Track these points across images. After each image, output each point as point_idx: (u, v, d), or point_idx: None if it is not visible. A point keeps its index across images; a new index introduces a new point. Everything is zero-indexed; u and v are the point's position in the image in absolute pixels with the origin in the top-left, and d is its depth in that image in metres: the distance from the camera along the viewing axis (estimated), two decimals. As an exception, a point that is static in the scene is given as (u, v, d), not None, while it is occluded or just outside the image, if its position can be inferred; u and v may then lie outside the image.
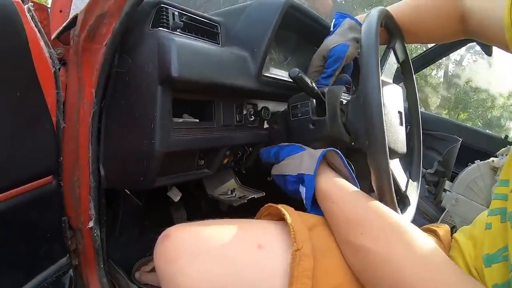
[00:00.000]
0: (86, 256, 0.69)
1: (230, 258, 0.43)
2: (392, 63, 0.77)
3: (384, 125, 0.65)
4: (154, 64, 0.52)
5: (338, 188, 0.53)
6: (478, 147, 1.22)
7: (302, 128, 0.64)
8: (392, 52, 0.75)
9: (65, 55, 0.62)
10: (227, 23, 0.65)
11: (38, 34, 0.51)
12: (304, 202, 0.57)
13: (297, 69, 0.57)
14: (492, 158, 1.05)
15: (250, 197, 0.72)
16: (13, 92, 0.47)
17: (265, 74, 0.65)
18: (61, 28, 0.60)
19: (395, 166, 0.72)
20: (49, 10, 0.58)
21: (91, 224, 0.65)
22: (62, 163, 0.58)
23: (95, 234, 0.67)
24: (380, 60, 0.75)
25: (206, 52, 0.55)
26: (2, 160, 0.47)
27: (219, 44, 0.64)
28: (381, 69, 0.73)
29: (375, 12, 0.62)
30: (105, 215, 0.68)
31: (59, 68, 0.61)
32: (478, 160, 1.09)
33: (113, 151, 0.62)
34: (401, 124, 0.72)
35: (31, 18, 0.49)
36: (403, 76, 0.81)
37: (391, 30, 0.74)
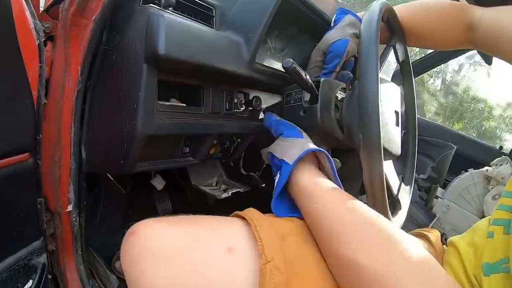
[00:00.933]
0: (63, 242, 0.66)
1: (197, 264, 0.39)
2: (391, 62, 0.75)
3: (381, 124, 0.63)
4: (141, 41, 0.50)
5: (322, 188, 0.48)
6: (473, 156, 1.21)
7: (293, 115, 0.62)
8: (392, 50, 0.73)
9: (53, 30, 0.59)
10: (223, 6, 0.63)
11: (24, 3, 0.49)
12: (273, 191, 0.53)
13: (291, 60, 0.55)
14: (486, 168, 1.03)
15: (234, 190, 0.69)
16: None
17: (258, 62, 0.62)
18: (50, 1, 0.58)
19: (388, 168, 0.70)
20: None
21: (69, 208, 0.63)
22: (41, 142, 0.55)
23: (73, 219, 0.64)
24: (380, 57, 0.73)
25: (198, 33, 0.53)
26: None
27: (213, 27, 0.62)
28: (380, 66, 0.72)
29: (377, 4, 0.60)
30: (85, 199, 0.66)
31: (45, 42, 0.59)
32: (472, 169, 1.07)
33: (96, 133, 0.60)
34: (397, 125, 0.70)
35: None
36: (402, 77, 0.79)
37: (392, 28, 0.73)
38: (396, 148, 0.69)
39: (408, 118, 0.80)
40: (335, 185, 0.50)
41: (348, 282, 0.38)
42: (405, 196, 0.72)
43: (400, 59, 0.76)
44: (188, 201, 0.81)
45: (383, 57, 0.72)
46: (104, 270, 0.72)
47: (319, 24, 0.77)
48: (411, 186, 0.76)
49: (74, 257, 0.66)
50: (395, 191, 0.71)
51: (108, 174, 0.71)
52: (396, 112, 0.70)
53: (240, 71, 0.59)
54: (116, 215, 0.80)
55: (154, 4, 0.53)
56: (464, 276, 0.45)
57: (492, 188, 0.95)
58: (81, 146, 0.62)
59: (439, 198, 1.07)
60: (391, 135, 0.66)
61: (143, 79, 0.50)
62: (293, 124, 0.60)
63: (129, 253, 0.42)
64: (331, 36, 0.72)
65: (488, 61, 1.06)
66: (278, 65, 0.72)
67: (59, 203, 0.63)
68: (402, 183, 0.74)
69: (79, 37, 0.57)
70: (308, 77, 0.59)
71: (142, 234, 0.42)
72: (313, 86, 0.61)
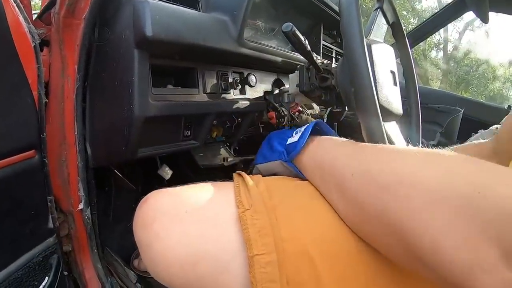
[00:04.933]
0: (79, 241, 0.67)
1: (209, 217, 0.40)
2: (381, 24, 0.75)
3: (376, 84, 0.63)
4: (130, 29, 0.52)
5: (334, 143, 0.49)
6: (481, 118, 1.17)
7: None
8: (380, 12, 0.73)
9: (47, 35, 0.62)
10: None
11: (17, 10, 0.51)
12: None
13: (291, 24, 0.55)
14: (495, 126, 1.00)
15: (242, 158, 0.69)
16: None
17: (248, 39, 0.63)
18: (42, 8, 0.61)
19: (393, 130, 0.69)
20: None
21: (81, 206, 0.64)
22: (45, 140, 0.57)
23: (86, 217, 0.65)
24: (368, 21, 0.73)
25: (183, 15, 0.55)
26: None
27: (199, 10, 0.63)
28: (370, 30, 0.71)
29: None
30: (95, 197, 0.67)
31: (41, 47, 0.61)
32: (482, 130, 1.04)
33: (98, 127, 0.61)
34: (395, 84, 0.69)
35: (10, -5, 0.49)
36: (394, 37, 0.79)
37: None
38: (397, 108, 0.68)
39: (407, 78, 0.79)
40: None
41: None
42: None
43: (390, 21, 0.75)
44: None
45: (371, 21, 0.72)
46: (122, 269, 0.72)
47: (311, 1, 0.78)
48: (418, 146, 0.75)
49: (91, 255, 0.67)
50: None
51: (116, 172, 0.72)
52: (392, 72, 0.69)
53: (229, 49, 0.60)
54: (130, 214, 0.81)
55: (138, -6, 0.54)
56: None
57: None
58: (85, 143, 0.63)
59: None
60: (390, 94, 0.65)
61: (135, 64, 0.52)
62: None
63: (143, 219, 0.42)
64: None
65: (484, 19, 1.04)
66: (270, 43, 0.73)
67: (70, 202, 0.65)
68: (409, 144, 0.73)
69: (72, 38, 0.59)
70: (307, 42, 0.59)
71: (153, 200, 0.43)
72: (311, 52, 0.61)
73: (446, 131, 1.07)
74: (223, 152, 0.74)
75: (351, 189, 0.38)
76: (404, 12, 8.70)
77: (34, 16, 0.65)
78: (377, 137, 0.50)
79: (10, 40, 0.51)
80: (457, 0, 1.10)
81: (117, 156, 0.58)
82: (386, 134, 0.62)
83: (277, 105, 0.72)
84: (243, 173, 0.48)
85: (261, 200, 0.41)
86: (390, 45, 0.72)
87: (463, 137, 1.07)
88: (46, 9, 0.61)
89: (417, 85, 0.78)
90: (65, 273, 0.61)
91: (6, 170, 0.50)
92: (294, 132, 0.56)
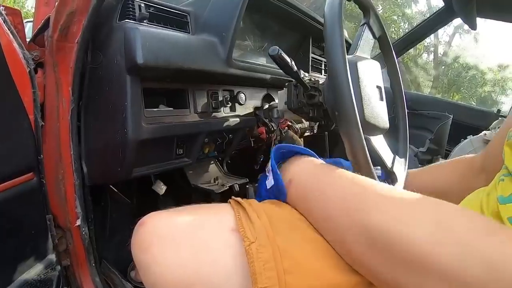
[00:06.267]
0: (77, 256, 0.69)
1: (203, 240, 0.42)
2: (368, 39, 0.77)
3: (362, 100, 0.65)
4: (122, 55, 0.54)
5: (322, 170, 0.48)
6: (471, 123, 1.20)
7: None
8: (366, 28, 0.75)
9: (41, 57, 0.64)
10: (196, 11, 0.66)
11: (11, 37, 0.53)
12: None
13: (277, 47, 0.57)
14: (484, 132, 1.02)
15: (231, 183, 0.72)
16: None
17: (237, 59, 0.65)
18: (35, 31, 0.62)
19: (379, 143, 0.71)
20: (22, 14, 0.60)
21: (78, 222, 0.66)
22: (43, 161, 0.59)
23: (83, 233, 0.67)
24: (355, 37, 0.75)
25: (174, 39, 0.57)
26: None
27: (189, 32, 0.65)
28: (357, 46, 0.73)
29: None
30: (92, 213, 0.69)
31: (36, 69, 0.63)
32: (471, 135, 1.06)
33: (93, 147, 0.63)
34: (381, 99, 0.71)
35: (3, 21, 0.50)
36: (382, 51, 0.81)
37: (363, 6, 0.75)
38: (384, 122, 0.70)
39: (394, 91, 0.81)
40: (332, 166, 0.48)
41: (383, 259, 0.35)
42: (400, 168, 0.73)
43: (377, 35, 0.77)
44: (192, 202, 0.83)
45: (358, 37, 0.74)
46: (119, 280, 0.75)
47: (294, 15, 0.80)
48: (406, 158, 0.77)
49: (89, 269, 0.69)
50: (389, 164, 0.71)
51: (112, 187, 0.74)
52: (379, 87, 0.71)
53: (218, 70, 0.62)
54: (126, 227, 0.83)
55: (130, 19, 0.56)
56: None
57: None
58: (81, 161, 0.65)
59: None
60: (376, 110, 0.67)
61: (127, 89, 0.54)
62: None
63: (140, 242, 0.44)
64: None
65: (472, 26, 1.06)
66: (260, 61, 0.75)
67: (68, 219, 0.67)
68: (397, 156, 0.75)
69: (66, 60, 0.61)
70: (293, 63, 0.61)
71: (150, 224, 0.45)
72: (298, 72, 0.63)
73: (435, 137, 1.10)
74: (214, 169, 0.76)
75: (352, 249, 0.38)
76: (395, 17, 8.69)
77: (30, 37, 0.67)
78: (360, 158, 0.52)
79: (5, 67, 0.53)
80: (445, 7, 1.12)
81: (112, 176, 0.60)
82: (373, 148, 0.64)
83: (266, 120, 0.74)
84: (242, 202, 0.49)
85: (265, 233, 0.42)
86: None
87: (453, 142, 1.09)
88: (40, 32, 0.62)
89: (404, 99, 0.80)
90: (65, 287, 0.64)
91: (6, 193, 0.53)
92: (267, 172, 0.54)
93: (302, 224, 0.47)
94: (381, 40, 0.80)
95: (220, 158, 0.78)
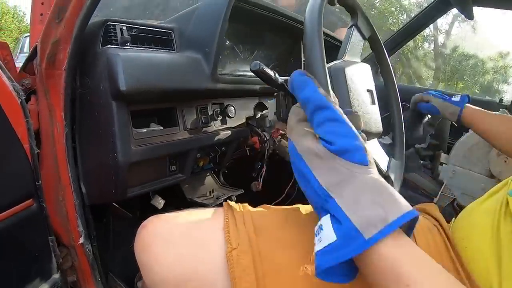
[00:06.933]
0: (82, 272, 0.72)
1: (199, 240, 0.46)
2: (357, 41, 0.75)
3: (352, 108, 0.64)
4: (106, 81, 0.55)
5: (419, 265, 0.30)
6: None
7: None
8: (355, 30, 0.73)
9: (33, 85, 0.66)
10: (180, 27, 0.67)
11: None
12: (315, 259, 0.32)
13: (258, 62, 0.56)
14: None
15: (227, 196, 0.73)
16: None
17: (223, 73, 0.65)
18: (25, 61, 0.64)
19: (373, 147, 0.70)
20: (9, 46, 0.61)
21: (81, 240, 0.69)
22: (41, 187, 0.61)
23: (87, 249, 0.70)
24: (343, 41, 0.74)
25: (156, 61, 0.57)
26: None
27: (174, 50, 0.65)
28: (345, 50, 0.72)
29: None
30: (94, 230, 0.71)
31: (29, 97, 0.65)
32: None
33: (89, 169, 0.65)
34: (373, 103, 0.70)
35: (-10, 58, 0.52)
36: (373, 51, 0.79)
37: (350, 7, 0.73)
38: (376, 127, 0.69)
39: (388, 90, 0.79)
40: (434, 262, 0.31)
41: None
42: (396, 171, 0.72)
43: (366, 36, 0.75)
44: None
45: (346, 40, 0.72)
46: (126, 292, 0.77)
47: (283, 22, 0.79)
48: (402, 160, 0.76)
49: (95, 284, 0.72)
50: (384, 168, 0.71)
51: (113, 203, 0.76)
52: (369, 91, 0.70)
53: (204, 87, 0.62)
54: (129, 239, 0.86)
55: (112, 44, 0.57)
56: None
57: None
58: (80, 182, 0.67)
59: (444, 164, 1.04)
60: (368, 115, 0.66)
61: (114, 115, 0.55)
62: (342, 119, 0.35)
63: (142, 243, 0.48)
64: None
65: (469, 15, 1.02)
66: (247, 68, 0.74)
67: (71, 237, 0.69)
68: (392, 159, 0.74)
69: (56, 87, 0.62)
70: (277, 76, 0.60)
71: (151, 226, 0.49)
72: (284, 84, 0.63)
73: (436, 133, 1.07)
74: (210, 181, 0.77)
75: None
76: (392, 9, 8.37)
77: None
78: None
79: None
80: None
81: (108, 196, 0.62)
82: None
83: (259, 130, 0.74)
84: (233, 206, 0.51)
85: (247, 239, 0.44)
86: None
87: (457, 135, 1.06)
88: (29, 61, 0.64)
89: (399, 99, 0.78)
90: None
91: (7, 221, 0.55)
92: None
93: (287, 229, 0.48)
94: (372, 40, 0.78)
95: (216, 170, 0.79)
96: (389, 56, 1.33)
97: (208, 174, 0.79)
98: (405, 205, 0.29)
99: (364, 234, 0.28)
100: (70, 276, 0.71)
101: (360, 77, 0.68)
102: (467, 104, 0.85)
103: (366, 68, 0.71)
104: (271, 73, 0.59)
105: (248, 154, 0.81)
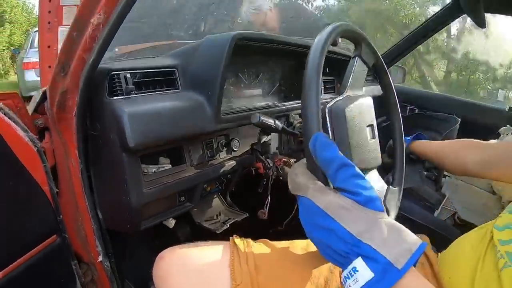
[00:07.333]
0: (102, 284, 0.81)
1: (207, 273, 0.55)
2: (360, 71, 0.74)
3: (350, 149, 0.65)
4: (115, 133, 0.57)
5: None
6: (482, 122, 1.15)
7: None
8: (358, 60, 0.72)
9: (46, 123, 0.68)
10: (183, 64, 0.67)
11: (13, 124, 0.57)
12: None
13: (257, 114, 0.58)
14: (491, 141, 0.99)
15: (232, 221, 0.78)
16: (4, 180, 0.55)
17: (225, 112, 0.67)
18: (35, 104, 0.66)
19: (370, 177, 0.72)
20: (20, 94, 0.63)
21: (100, 258, 0.76)
22: (62, 221, 0.67)
23: (105, 266, 0.78)
24: (345, 73, 0.73)
25: (161, 111, 0.59)
26: (9, 235, 0.57)
27: (178, 88, 0.67)
28: (347, 84, 0.72)
29: (327, 29, 0.61)
30: (111, 248, 0.78)
31: (44, 134, 0.68)
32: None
33: (105, 201, 0.70)
34: (373, 137, 0.71)
35: (4, 114, 0.54)
36: (378, 78, 0.78)
37: (355, 39, 0.71)
38: (375, 162, 0.70)
39: (392, 118, 0.80)
40: None
41: None
42: (393, 199, 0.74)
43: (371, 64, 0.75)
44: (199, 233, 0.92)
45: (349, 72, 0.72)
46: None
47: (280, 48, 0.78)
48: (401, 186, 0.78)
49: (113, 294, 0.81)
50: (381, 198, 0.73)
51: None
52: (370, 126, 0.71)
53: (207, 129, 0.65)
54: (146, 248, 0.94)
55: (117, 95, 0.59)
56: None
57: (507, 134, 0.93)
58: (96, 210, 0.73)
59: (448, 177, 1.06)
60: (366, 154, 0.67)
61: (125, 165, 0.59)
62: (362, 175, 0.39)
63: (159, 273, 0.57)
64: None
65: (481, 23, 0.97)
66: (256, 92, 0.76)
67: (91, 255, 0.77)
68: (390, 186, 0.76)
69: (68, 128, 0.65)
70: (278, 122, 0.62)
71: (168, 258, 0.57)
72: (286, 128, 0.64)
73: (442, 144, 1.08)
74: (217, 202, 0.82)
75: None
76: (404, 2, 7.54)
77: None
78: None
79: (13, 156, 0.57)
80: (452, 3, 1.02)
81: (124, 228, 0.68)
82: None
83: (263, 157, 0.77)
84: (238, 244, 0.58)
85: (249, 277, 0.53)
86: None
87: None
88: (40, 103, 0.66)
89: (401, 127, 0.79)
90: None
91: (35, 257, 0.62)
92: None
93: (284, 267, 0.57)
94: (377, 68, 0.77)
95: (223, 191, 0.84)
96: (400, 59, 1.30)
97: (215, 196, 0.83)
98: (418, 238, 0.37)
99: (397, 265, 0.34)
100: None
101: (361, 114, 0.69)
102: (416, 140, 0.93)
103: (368, 103, 0.71)
104: (271, 121, 0.61)
105: (254, 173, 0.85)
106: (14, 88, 7.15)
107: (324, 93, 1.02)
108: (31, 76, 5.02)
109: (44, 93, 0.64)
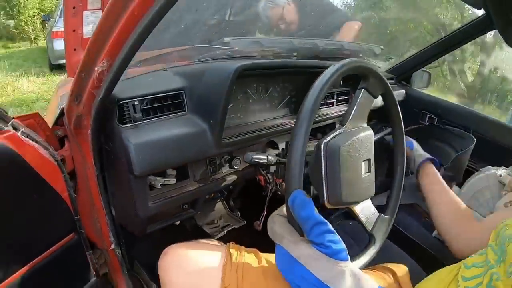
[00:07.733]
0: (113, 267, 0.93)
1: (203, 272, 0.64)
2: (366, 102, 0.73)
3: (340, 184, 0.68)
4: (123, 158, 0.63)
5: None
6: (500, 141, 1.10)
7: None
8: (364, 92, 0.71)
9: (64, 133, 0.75)
10: (191, 86, 0.70)
11: (36, 145, 0.63)
12: None
13: (250, 154, 0.62)
14: (499, 172, 0.96)
15: (230, 228, 0.85)
16: (29, 195, 0.64)
17: (227, 139, 0.70)
18: (55, 119, 0.72)
19: (361, 207, 0.74)
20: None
21: (112, 246, 0.86)
22: (80, 220, 0.77)
23: (117, 253, 0.88)
24: (350, 105, 0.72)
25: (165, 139, 0.63)
26: (34, 236, 0.67)
27: (184, 110, 0.70)
28: (349, 116, 0.71)
29: (329, 70, 0.61)
30: (122, 238, 0.88)
31: (63, 141, 0.75)
32: (490, 166, 1.00)
33: (116, 201, 0.78)
34: (369, 171, 0.72)
35: (26, 136, 0.61)
36: (385, 106, 0.77)
37: (362, 74, 0.70)
38: (367, 194, 0.71)
39: (396, 155, 0.79)
40: None
41: None
42: (381, 228, 0.76)
43: (377, 95, 0.73)
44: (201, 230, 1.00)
45: (353, 102, 0.71)
46: (147, 279, 0.99)
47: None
48: (392, 216, 0.79)
49: (123, 276, 0.92)
50: (369, 226, 0.75)
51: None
52: (367, 160, 0.71)
53: (210, 153, 0.69)
54: (151, 240, 1.04)
55: (126, 122, 0.63)
56: None
57: (505, 194, 0.90)
58: (110, 207, 0.81)
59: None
60: (356, 187, 0.68)
61: (133, 185, 0.65)
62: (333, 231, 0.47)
63: (164, 266, 0.66)
64: None
65: (510, 41, 0.89)
66: (264, 107, 0.78)
67: (104, 243, 0.87)
68: (382, 215, 0.78)
69: (85, 141, 0.71)
70: (270, 157, 0.65)
71: (171, 255, 0.66)
72: (279, 160, 0.67)
73: (452, 165, 1.05)
74: (220, 206, 0.88)
75: None
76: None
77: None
78: None
79: (35, 175, 0.65)
80: (483, 16, 0.92)
81: (131, 229, 0.77)
82: (354, 213, 0.69)
83: (264, 172, 0.80)
84: (232, 253, 0.66)
85: (236, 282, 0.62)
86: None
87: (481, 161, 1.05)
88: (59, 117, 0.72)
89: (404, 158, 0.79)
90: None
91: (55, 253, 0.73)
92: None
93: (266, 280, 0.65)
94: (385, 96, 0.75)
95: (226, 197, 0.90)
96: (423, 66, 1.25)
97: (219, 200, 0.90)
98: (374, 284, 0.46)
99: None
100: (103, 270, 0.93)
101: (359, 148, 0.69)
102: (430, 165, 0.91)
103: (368, 136, 0.71)
104: (264, 157, 0.64)
105: (258, 181, 0.89)
106: (44, 53, 7.32)
107: (336, 104, 1.01)
108: (60, 45, 5.07)
109: (62, 109, 0.69)
